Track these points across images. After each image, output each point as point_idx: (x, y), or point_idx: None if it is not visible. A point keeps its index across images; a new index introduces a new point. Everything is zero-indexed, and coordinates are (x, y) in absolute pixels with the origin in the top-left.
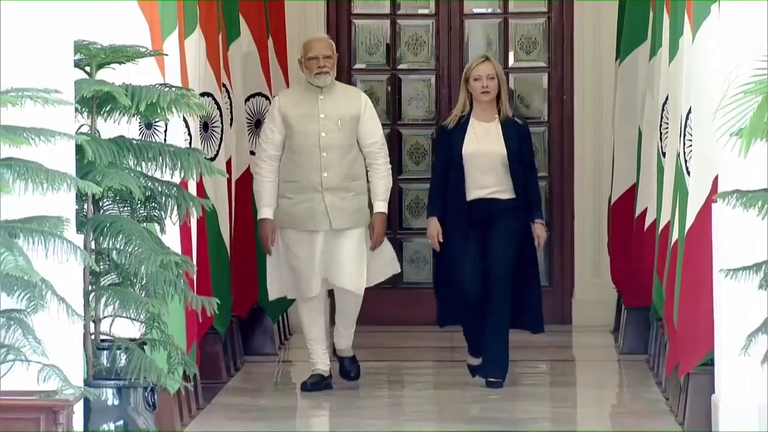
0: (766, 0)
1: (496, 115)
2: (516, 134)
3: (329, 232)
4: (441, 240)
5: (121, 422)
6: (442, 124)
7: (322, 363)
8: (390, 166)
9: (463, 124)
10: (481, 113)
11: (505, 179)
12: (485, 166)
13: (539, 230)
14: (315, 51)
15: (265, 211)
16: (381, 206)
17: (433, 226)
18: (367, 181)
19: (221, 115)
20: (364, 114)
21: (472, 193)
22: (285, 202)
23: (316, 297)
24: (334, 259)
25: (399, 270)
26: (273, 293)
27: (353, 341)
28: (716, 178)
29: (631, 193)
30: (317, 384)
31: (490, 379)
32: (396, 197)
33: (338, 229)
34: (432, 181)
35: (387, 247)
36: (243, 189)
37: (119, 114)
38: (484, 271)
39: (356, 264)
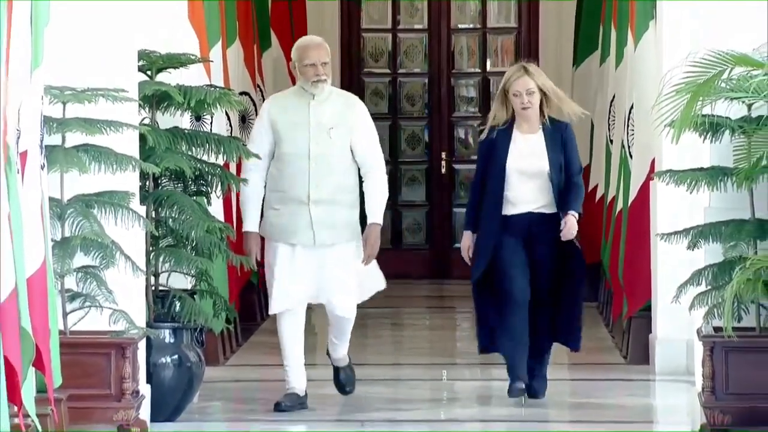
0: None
1: (540, 125)
2: (560, 141)
3: (315, 247)
4: (471, 255)
5: (176, 356)
6: (483, 137)
7: (298, 382)
8: (386, 176)
9: (504, 137)
10: (524, 125)
11: (548, 193)
12: (528, 181)
13: (570, 220)
14: (312, 58)
15: (249, 224)
16: (375, 217)
17: (466, 239)
18: (361, 192)
19: (256, 110)
20: (358, 122)
21: (513, 207)
22: (270, 213)
23: (296, 311)
24: (322, 279)
25: (384, 286)
26: (276, 307)
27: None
28: (653, 160)
29: (584, 173)
30: (292, 405)
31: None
32: (396, 175)
33: (324, 244)
34: (471, 194)
35: (373, 263)
36: None
37: (174, 109)
38: (529, 280)
39: (345, 284)
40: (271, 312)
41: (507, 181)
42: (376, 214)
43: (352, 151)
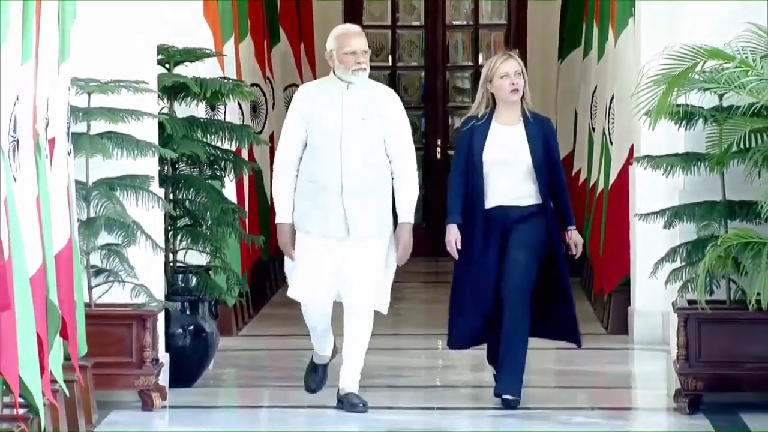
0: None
1: (521, 117)
2: (541, 133)
3: (348, 240)
4: (459, 247)
5: (192, 327)
6: (462, 127)
7: (324, 350)
8: (417, 172)
9: (483, 128)
10: (504, 115)
11: (528, 185)
12: (507, 172)
13: (575, 237)
14: (353, 46)
15: (284, 215)
16: (407, 216)
17: (452, 233)
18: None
19: (266, 101)
20: (392, 115)
21: (492, 200)
22: (303, 203)
23: (323, 309)
24: (350, 271)
25: (384, 310)
26: (294, 292)
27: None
28: (632, 146)
29: (568, 158)
30: (319, 382)
31: (505, 397)
32: None
33: (358, 237)
34: (451, 185)
35: (388, 284)
36: None
37: (190, 99)
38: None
39: (373, 278)
40: (289, 294)
41: (485, 173)
42: (408, 213)
43: (384, 143)
